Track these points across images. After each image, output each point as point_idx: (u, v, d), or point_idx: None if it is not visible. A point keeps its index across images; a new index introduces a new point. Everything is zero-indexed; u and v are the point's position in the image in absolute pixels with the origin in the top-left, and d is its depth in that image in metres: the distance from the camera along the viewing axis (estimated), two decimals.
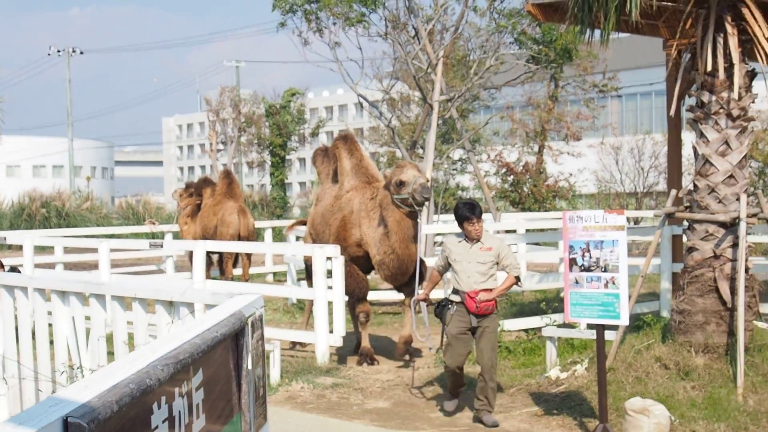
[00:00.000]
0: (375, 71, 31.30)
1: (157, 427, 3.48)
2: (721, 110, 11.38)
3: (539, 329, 14.25)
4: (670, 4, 12.35)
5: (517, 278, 10.69)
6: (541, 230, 25.95)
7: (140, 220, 40.33)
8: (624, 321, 9.55)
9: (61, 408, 2.76)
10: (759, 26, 11.07)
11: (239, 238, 21.48)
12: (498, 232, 20.95)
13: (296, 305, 20.02)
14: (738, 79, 11.13)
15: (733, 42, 11.16)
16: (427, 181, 13.02)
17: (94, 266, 21.16)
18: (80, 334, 10.04)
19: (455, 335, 10.54)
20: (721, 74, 11.31)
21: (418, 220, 13.50)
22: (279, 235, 31.86)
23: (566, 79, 40.27)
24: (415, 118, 37.90)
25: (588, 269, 9.59)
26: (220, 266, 22.60)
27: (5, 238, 24.10)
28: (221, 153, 65.74)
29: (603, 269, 9.49)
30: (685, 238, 12.27)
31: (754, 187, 25.64)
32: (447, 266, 10.87)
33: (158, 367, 3.44)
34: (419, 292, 12.15)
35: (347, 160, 14.82)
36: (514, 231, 23.15)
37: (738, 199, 11.21)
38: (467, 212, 10.46)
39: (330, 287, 14.18)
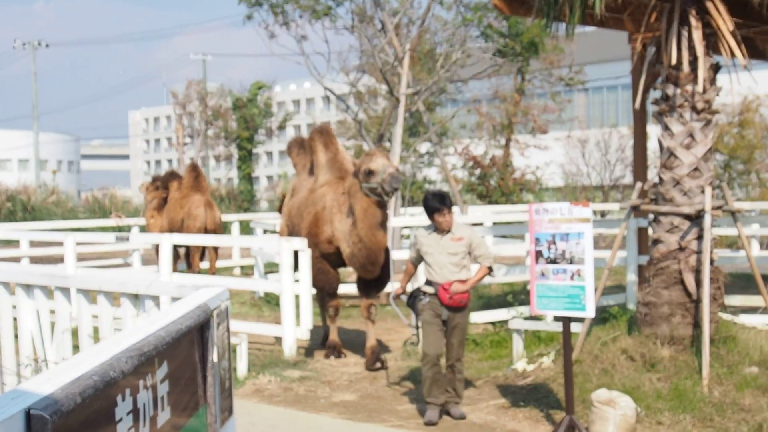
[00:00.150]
0: (342, 64, 31.31)
1: (121, 419, 3.46)
2: (686, 103, 11.43)
3: (506, 322, 14.28)
4: None
5: (490, 268, 10.56)
6: (508, 223, 26.02)
7: (106, 214, 40.11)
8: (590, 313, 9.58)
9: (23, 400, 2.74)
10: (723, 20, 11.12)
11: (206, 231, 21.43)
12: (465, 224, 20.95)
13: (264, 298, 19.98)
14: (702, 72, 11.18)
15: (698, 35, 11.21)
16: (397, 170, 12.81)
17: (60, 260, 21.08)
18: (45, 328, 10.00)
19: (429, 321, 10.37)
20: (686, 67, 11.36)
21: (387, 211, 13.27)
22: (246, 229, 31.83)
23: (533, 72, 40.46)
24: (382, 112, 37.91)
25: (554, 261, 9.62)
26: (187, 260, 22.54)
27: None
28: (188, 146, 65.53)
29: (569, 261, 9.51)
30: (650, 231, 12.34)
31: (719, 180, 25.79)
32: (420, 258, 10.75)
33: (122, 360, 3.43)
34: (395, 285, 12.11)
35: (322, 153, 14.62)
36: (481, 224, 23.17)
37: (703, 192, 11.26)
38: (437, 203, 10.33)
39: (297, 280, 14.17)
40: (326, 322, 14.82)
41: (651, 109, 12.61)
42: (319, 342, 15.03)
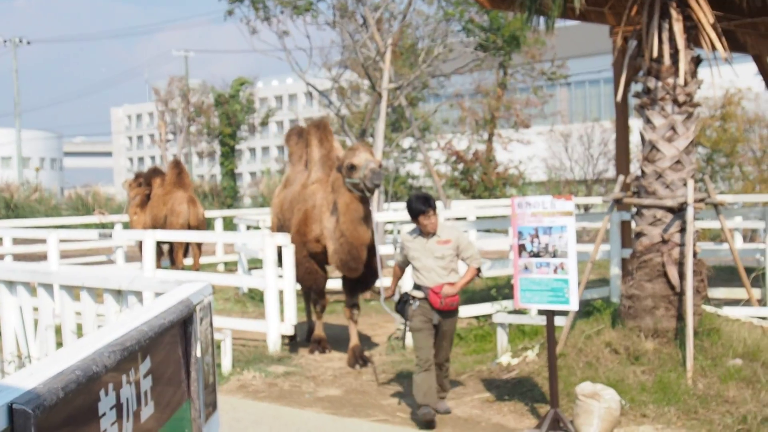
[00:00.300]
0: (324, 60, 31.27)
1: (104, 414, 3.46)
2: (667, 96, 11.44)
3: (490, 316, 14.29)
4: None
5: (478, 269, 10.36)
6: (492, 217, 26.02)
7: (90, 211, 40.02)
8: (573, 306, 9.60)
9: (5, 395, 2.74)
10: (703, 12, 11.14)
11: (189, 227, 21.40)
12: (448, 219, 20.99)
13: (248, 294, 19.97)
14: (683, 65, 11.20)
15: (679, 28, 11.23)
16: (380, 165, 12.63)
17: (43, 257, 21.05)
18: (28, 325, 9.98)
19: (420, 327, 10.18)
20: (667, 60, 11.38)
21: (370, 207, 12.95)
22: (229, 225, 31.79)
23: (515, 66, 40.46)
24: (365, 107, 37.86)
25: (537, 255, 9.64)
26: (170, 256, 22.52)
27: None
28: (171, 143, 65.40)
29: (552, 255, 9.53)
30: (633, 224, 12.34)
31: (702, 173, 25.80)
32: (407, 262, 10.59)
33: (105, 354, 3.42)
34: (383, 284, 12.07)
35: (317, 149, 14.43)
36: (465, 218, 23.17)
37: (685, 184, 11.28)
38: (421, 205, 10.11)
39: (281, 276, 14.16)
40: (311, 318, 14.81)
41: (633, 102, 12.62)
42: (304, 337, 15.03)
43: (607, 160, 41.56)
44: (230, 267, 26.56)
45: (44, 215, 41.53)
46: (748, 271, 12.07)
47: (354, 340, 13.42)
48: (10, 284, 9.96)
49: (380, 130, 23.55)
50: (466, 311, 15.27)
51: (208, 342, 5.22)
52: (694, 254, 11.16)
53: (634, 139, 17.98)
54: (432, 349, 10.20)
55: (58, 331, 9.77)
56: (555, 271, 9.52)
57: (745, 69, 17.04)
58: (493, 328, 13.66)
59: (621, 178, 12.13)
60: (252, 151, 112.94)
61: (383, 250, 16.12)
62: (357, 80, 38.90)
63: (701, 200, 11.40)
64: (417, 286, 10.34)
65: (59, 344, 9.78)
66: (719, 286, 15.09)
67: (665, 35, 11.32)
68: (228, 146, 50.62)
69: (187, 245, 22.13)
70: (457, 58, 29.12)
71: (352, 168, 12.51)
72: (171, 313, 4.48)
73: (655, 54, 11.33)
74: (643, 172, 11.68)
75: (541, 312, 11.94)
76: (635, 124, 14.17)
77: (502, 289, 16.16)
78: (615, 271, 15.97)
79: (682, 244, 11.22)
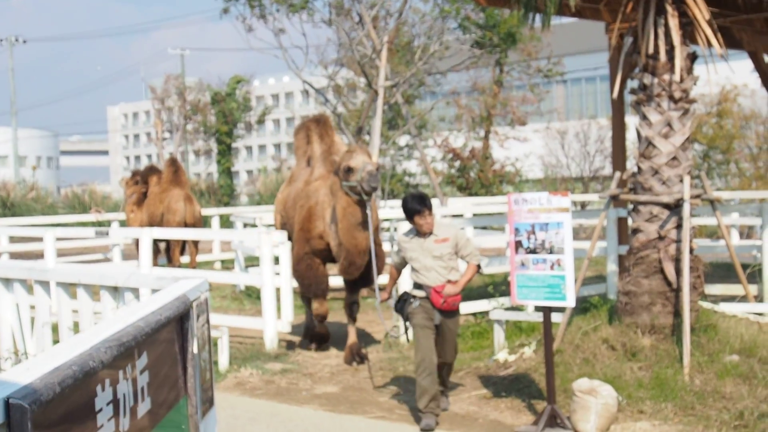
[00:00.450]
0: (320, 58, 31.37)
1: (101, 409, 3.46)
2: (663, 92, 11.45)
3: (487, 313, 14.29)
4: None
5: (478, 266, 10.27)
6: (488, 215, 26.04)
7: (86, 209, 39.97)
8: (570, 302, 9.61)
9: (2, 389, 2.74)
10: (699, 9, 11.15)
11: (185, 225, 21.37)
12: (445, 216, 21.00)
13: (244, 292, 19.96)
14: (679, 62, 11.20)
15: (674, 24, 11.23)
16: (377, 168, 12.44)
17: (40, 255, 21.02)
18: (25, 322, 9.98)
19: (421, 326, 10.04)
20: (663, 57, 11.38)
21: (368, 211, 12.65)
22: (226, 223, 31.79)
23: (511, 64, 40.52)
24: (361, 105, 37.92)
25: (534, 251, 9.64)
26: (167, 254, 22.50)
27: None
28: (167, 141, 65.38)
29: (549, 251, 9.53)
30: (630, 221, 12.35)
31: (698, 170, 25.81)
32: (404, 263, 10.48)
33: (101, 350, 3.42)
34: (378, 287, 12.01)
35: (317, 145, 14.29)
36: (461, 215, 23.19)
37: (681, 181, 11.29)
38: (417, 205, 9.95)
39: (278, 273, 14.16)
40: (312, 319, 14.62)
41: (629, 99, 12.62)
42: (302, 335, 15.01)
43: (603, 157, 41.52)
44: (227, 265, 26.53)
45: (41, 214, 41.49)
46: (745, 267, 12.08)
47: (352, 338, 13.38)
48: (7, 281, 9.96)
49: (377, 127, 23.55)
50: (463, 308, 15.23)
51: (204, 338, 5.22)
52: (691, 250, 11.16)
53: (631, 136, 18.01)
54: (433, 349, 10.04)
55: (54, 328, 9.78)
56: (552, 267, 9.52)
57: (741, 65, 17.08)
58: (490, 325, 13.66)
59: (617, 174, 12.15)
60: (248, 149, 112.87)
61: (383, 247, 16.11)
62: (353, 78, 38.93)
63: (698, 196, 11.41)
64: (418, 285, 10.23)
65: (56, 341, 9.78)
66: (716, 283, 15.09)
67: (661, 32, 11.32)
68: (224, 144, 50.57)
69: (183, 243, 22.11)
70: (454, 56, 29.17)
71: (349, 171, 12.34)
72: (167, 309, 4.48)
73: (651, 50, 11.33)
74: (639, 168, 11.67)
75: (537, 308, 11.95)
76: (631, 120, 14.20)
77: (499, 286, 16.18)
78: (612, 267, 15.96)
79: (678, 241, 11.22)
